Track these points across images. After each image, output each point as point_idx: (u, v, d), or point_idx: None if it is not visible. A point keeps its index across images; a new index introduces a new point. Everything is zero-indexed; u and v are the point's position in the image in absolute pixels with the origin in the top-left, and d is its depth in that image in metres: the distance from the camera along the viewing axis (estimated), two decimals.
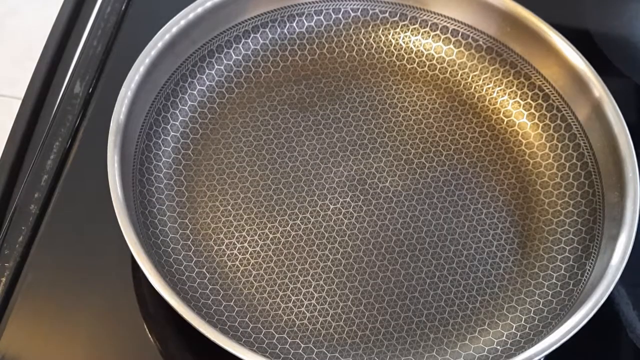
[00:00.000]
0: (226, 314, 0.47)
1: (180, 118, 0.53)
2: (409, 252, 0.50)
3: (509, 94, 0.55)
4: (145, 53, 0.50)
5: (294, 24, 0.57)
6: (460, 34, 0.56)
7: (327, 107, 0.55)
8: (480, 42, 0.56)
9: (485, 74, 0.56)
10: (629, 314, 0.51)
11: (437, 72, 0.57)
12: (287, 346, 0.47)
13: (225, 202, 0.51)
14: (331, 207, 0.52)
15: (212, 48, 0.54)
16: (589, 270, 0.48)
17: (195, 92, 0.54)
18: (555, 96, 0.54)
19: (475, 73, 0.56)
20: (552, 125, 0.54)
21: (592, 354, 0.50)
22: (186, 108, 0.53)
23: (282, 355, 0.46)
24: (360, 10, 0.57)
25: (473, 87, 0.56)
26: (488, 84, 0.56)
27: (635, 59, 0.61)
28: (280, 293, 0.48)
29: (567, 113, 0.53)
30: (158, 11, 0.61)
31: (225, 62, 0.55)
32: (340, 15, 0.57)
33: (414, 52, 0.57)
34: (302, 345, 0.47)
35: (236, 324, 0.47)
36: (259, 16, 0.55)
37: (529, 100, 0.55)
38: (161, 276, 0.43)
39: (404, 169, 0.53)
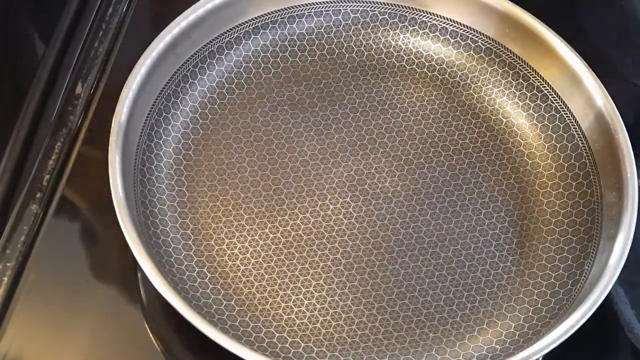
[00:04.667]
0: (226, 313, 0.47)
1: (182, 118, 0.53)
2: (408, 251, 0.50)
3: (507, 95, 0.56)
4: (146, 54, 0.50)
5: (294, 25, 0.57)
6: (459, 35, 0.56)
7: (327, 107, 0.56)
8: (479, 43, 0.56)
9: (484, 74, 0.56)
10: (627, 313, 0.51)
11: (436, 72, 0.57)
12: (287, 345, 0.47)
13: (225, 202, 0.51)
14: (331, 207, 0.52)
15: (213, 49, 0.55)
16: (587, 270, 0.48)
17: (196, 93, 0.54)
18: (553, 97, 0.54)
19: (474, 74, 0.57)
20: (551, 125, 0.54)
21: (590, 353, 0.50)
22: (187, 109, 0.54)
23: (282, 354, 0.46)
24: (360, 12, 0.57)
25: (472, 88, 0.57)
26: (487, 85, 0.56)
27: (634, 59, 0.61)
28: (281, 292, 0.49)
29: (565, 113, 0.53)
30: (159, 12, 0.62)
31: (226, 63, 0.55)
32: (340, 17, 0.57)
33: (413, 53, 0.57)
34: (302, 344, 0.47)
35: (236, 323, 0.47)
36: (259, 17, 0.56)
37: (527, 101, 0.55)
38: (162, 276, 0.43)
39: (403, 169, 0.54)
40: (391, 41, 0.58)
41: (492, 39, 0.56)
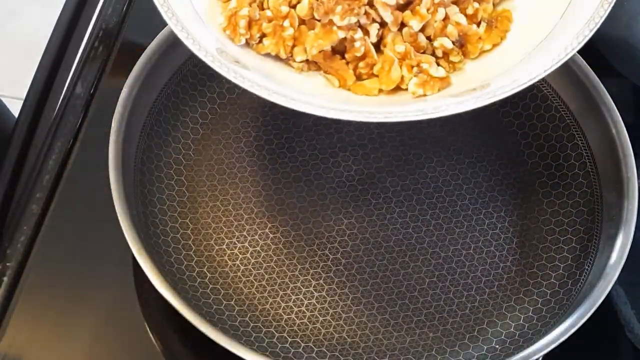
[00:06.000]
0: (226, 313, 0.47)
1: (181, 118, 0.53)
2: (408, 251, 0.51)
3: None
4: (146, 54, 0.50)
5: None
6: None
7: None
8: None
9: None
10: (627, 313, 0.51)
11: None
12: (287, 345, 0.47)
13: (225, 202, 0.51)
14: (331, 207, 0.52)
15: None
16: (587, 269, 0.48)
17: (196, 93, 0.54)
18: (553, 97, 0.54)
19: None
20: (551, 125, 0.54)
21: (590, 352, 0.50)
22: (187, 108, 0.54)
23: (282, 354, 0.46)
24: None
25: None
26: None
27: (633, 60, 0.61)
28: (280, 292, 0.49)
29: (566, 114, 0.53)
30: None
31: None
32: None
33: None
34: (302, 344, 0.47)
35: (236, 323, 0.47)
36: None
37: (527, 101, 0.55)
38: (162, 276, 0.43)
39: (403, 169, 0.54)
40: None
41: None
